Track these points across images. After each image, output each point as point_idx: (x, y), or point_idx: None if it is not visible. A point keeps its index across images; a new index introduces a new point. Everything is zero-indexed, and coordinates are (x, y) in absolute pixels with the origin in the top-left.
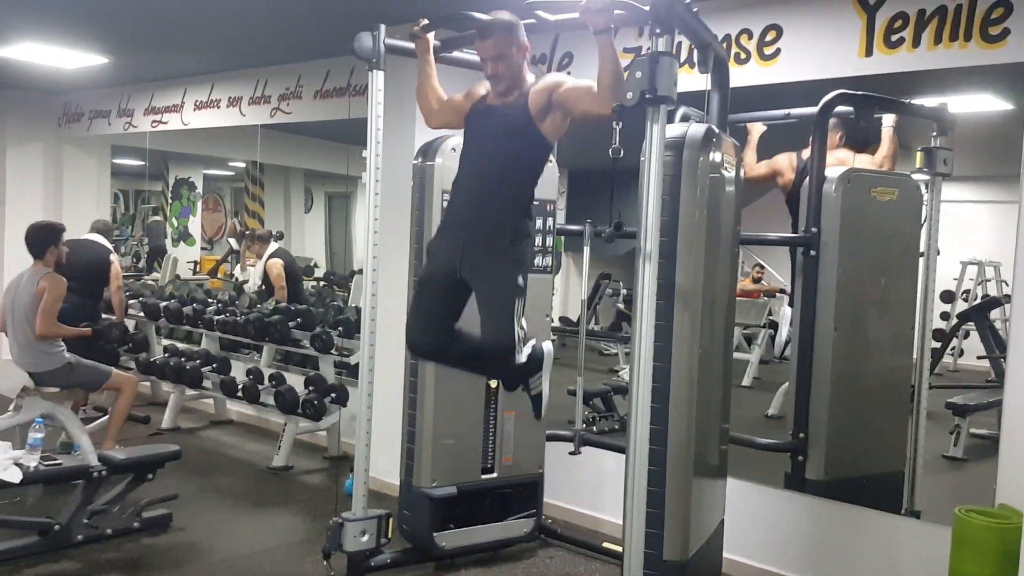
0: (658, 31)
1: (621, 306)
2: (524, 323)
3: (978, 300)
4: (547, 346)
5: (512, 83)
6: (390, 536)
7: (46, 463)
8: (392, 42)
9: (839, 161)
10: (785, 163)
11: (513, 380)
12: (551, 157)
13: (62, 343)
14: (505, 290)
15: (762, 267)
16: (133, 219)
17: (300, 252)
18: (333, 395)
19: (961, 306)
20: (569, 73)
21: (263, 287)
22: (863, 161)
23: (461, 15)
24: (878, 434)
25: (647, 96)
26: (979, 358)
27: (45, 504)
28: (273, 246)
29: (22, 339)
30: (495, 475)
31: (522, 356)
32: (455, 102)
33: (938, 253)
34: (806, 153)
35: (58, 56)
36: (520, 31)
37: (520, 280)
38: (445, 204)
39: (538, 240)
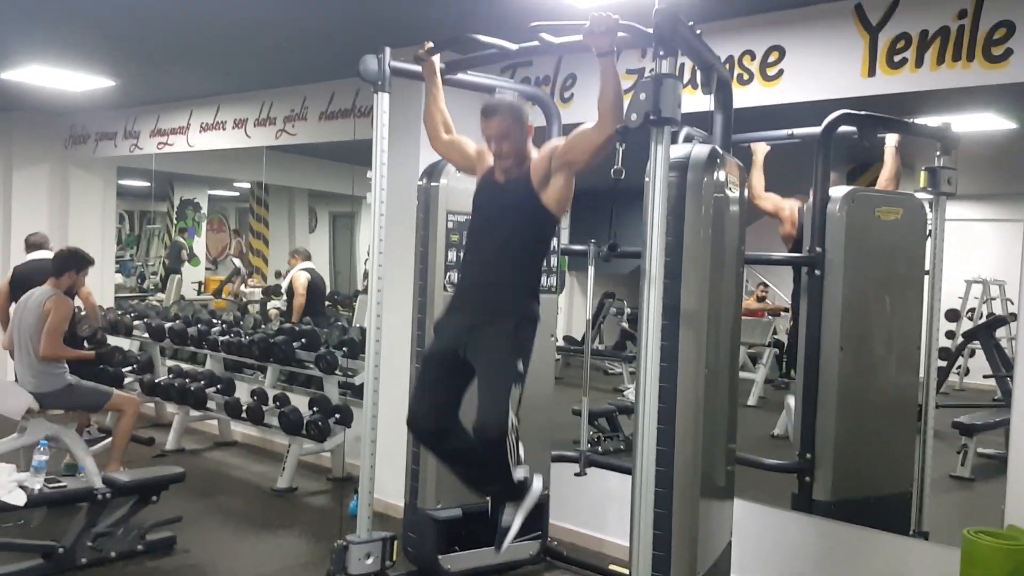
0: (662, 53)
1: (625, 325)
2: (520, 447)
3: (983, 319)
4: (537, 483)
5: (516, 161)
6: (395, 559)
7: (50, 485)
8: (397, 64)
9: None
10: (788, 215)
11: (498, 496)
12: None
13: (65, 364)
14: (503, 374)
15: (766, 286)
16: (138, 239)
17: None
18: (337, 416)
19: (966, 325)
20: (572, 94)
21: (286, 298)
22: None
23: (466, 37)
24: (885, 454)
25: (651, 118)
26: (985, 377)
27: (49, 527)
28: (308, 263)
29: (26, 359)
30: None
31: (516, 474)
32: (463, 148)
33: (941, 272)
34: (808, 209)
35: (65, 78)
36: (525, 112)
37: (519, 366)
38: (450, 225)
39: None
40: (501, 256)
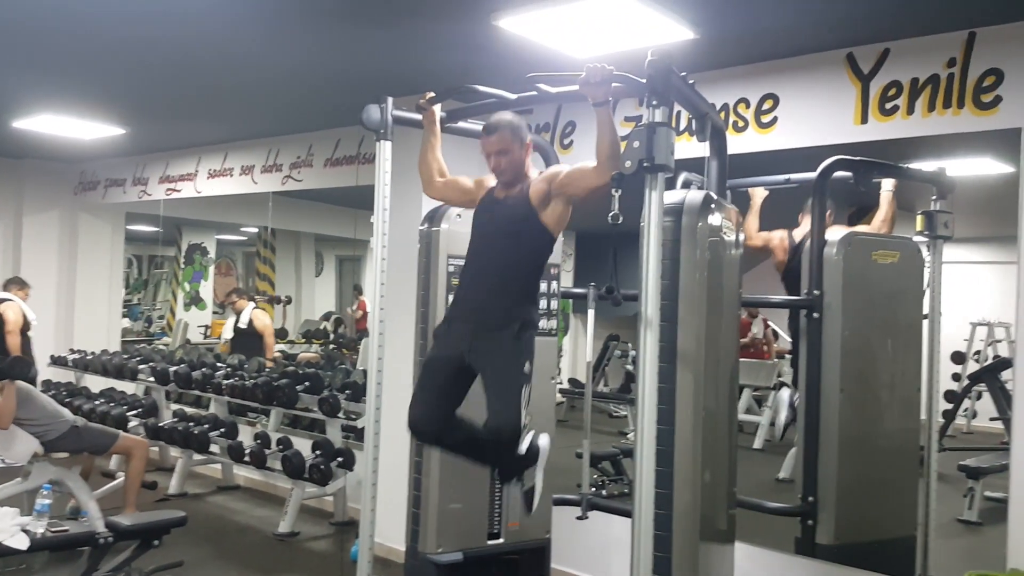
0: (655, 102)
1: (630, 367)
2: (527, 413)
3: (989, 361)
4: (544, 440)
5: (514, 176)
6: None
7: (53, 529)
8: (399, 113)
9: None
10: (778, 244)
11: (510, 471)
12: None
13: (60, 413)
14: (512, 377)
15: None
16: (146, 284)
17: (310, 315)
18: (340, 459)
19: (972, 367)
20: (571, 141)
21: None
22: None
23: (466, 88)
24: (889, 497)
25: (645, 164)
26: (991, 420)
27: (52, 571)
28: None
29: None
30: (501, 540)
31: (522, 447)
32: (460, 184)
33: (939, 315)
34: (798, 233)
35: (75, 127)
36: (523, 129)
37: (527, 367)
38: (451, 269)
39: (543, 303)
40: (501, 267)
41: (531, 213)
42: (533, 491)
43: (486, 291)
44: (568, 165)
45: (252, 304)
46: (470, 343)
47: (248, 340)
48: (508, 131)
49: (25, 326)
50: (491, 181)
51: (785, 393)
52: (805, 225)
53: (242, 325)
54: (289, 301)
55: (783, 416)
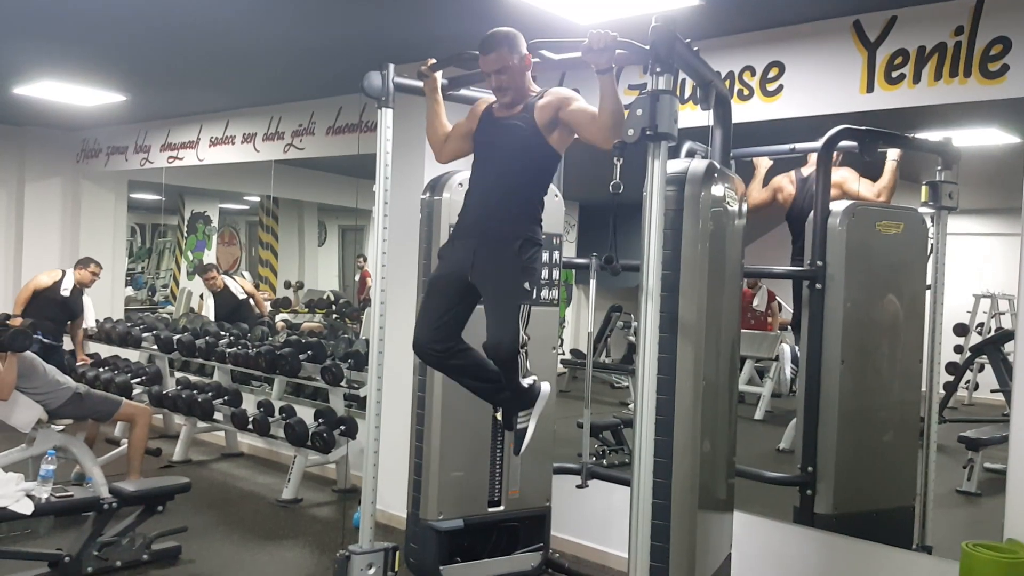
0: (658, 70)
1: (632, 338)
2: (527, 343)
3: (992, 333)
4: (545, 386)
5: (516, 94)
6: (397, 569)
7: (57, 495)
8: (400, 80)
9: (841, 178)
10: (784, 180)
11: (510, 405)
12: (557, 191)
13: (61, 381)
14: (512, 293)
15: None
16: (149, 252)
17: (313, 285)
18: (342, 427)
19: (975, 339)
20: None
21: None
22: (866, 186)
23: (468, 54)
24: (888, 468)
25: (648, 133)
26: (992, 392)
27: (56, 536)
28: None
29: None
30: (502, 508)
31: (524, 381)
32: (459, 128)
33: (942, 286)
34: (805, 170)
35: (77, 94)
36: (520, 42)
37: (527, 285)
38: None
39: (544, 273)
40: (505, 185)
41: (537, 135)
42: (524, 433)
43: (490, 209)
44: (576, 98)
45: (227, 276)
46: (472, 259)
47: (245, 308)
48: (505, 47)
49: (52, 291)
50: (482, 105)
51: (787, 348)
52: (812, 163)
53: (240, 296)
54: (301, 286)
55: (788, 370)
